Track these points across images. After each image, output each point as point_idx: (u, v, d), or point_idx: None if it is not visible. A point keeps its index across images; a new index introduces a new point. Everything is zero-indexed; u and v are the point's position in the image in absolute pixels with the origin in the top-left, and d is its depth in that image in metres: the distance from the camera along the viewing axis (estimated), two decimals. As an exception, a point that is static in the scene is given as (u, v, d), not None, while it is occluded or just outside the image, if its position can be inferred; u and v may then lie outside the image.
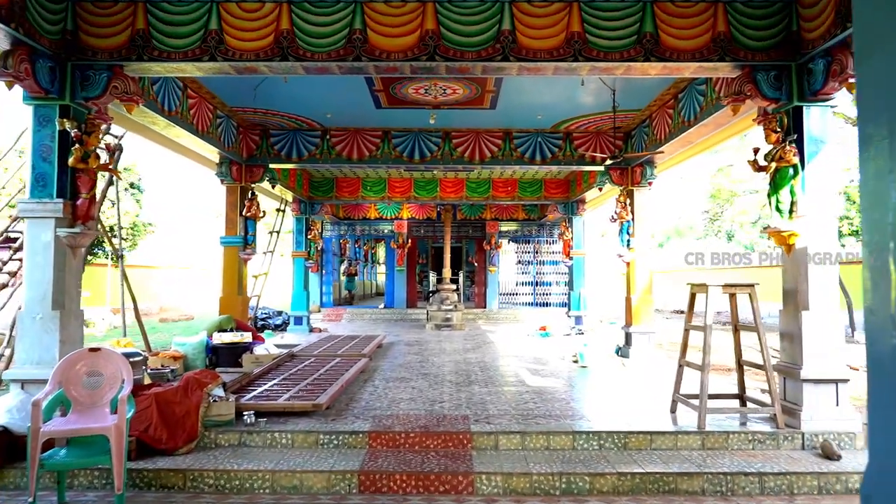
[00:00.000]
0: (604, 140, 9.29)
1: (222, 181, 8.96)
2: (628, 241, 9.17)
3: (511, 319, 16.81)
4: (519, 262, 18.13)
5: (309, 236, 13.48)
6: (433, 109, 7.99)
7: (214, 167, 8.96)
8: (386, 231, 18.16)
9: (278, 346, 10.34)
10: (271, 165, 9.35)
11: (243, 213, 9.14)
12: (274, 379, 6.36)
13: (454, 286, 14.38)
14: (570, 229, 13.51)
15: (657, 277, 25.34)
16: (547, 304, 17.82)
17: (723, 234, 44.04)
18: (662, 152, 7.35)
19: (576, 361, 8.38)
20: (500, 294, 17.81)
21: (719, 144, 7.97)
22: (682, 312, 22.37)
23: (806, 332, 4.76)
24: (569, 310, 13.68)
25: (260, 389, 5.70)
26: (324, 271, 17.83)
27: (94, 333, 14.60)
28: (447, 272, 14.43)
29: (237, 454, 4.43)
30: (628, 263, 9.26)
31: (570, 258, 13.54)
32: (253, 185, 9.37)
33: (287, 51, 4.91)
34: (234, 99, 7.90)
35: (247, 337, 7.84)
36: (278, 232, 13.62)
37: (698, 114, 6.74)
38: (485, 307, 17.70)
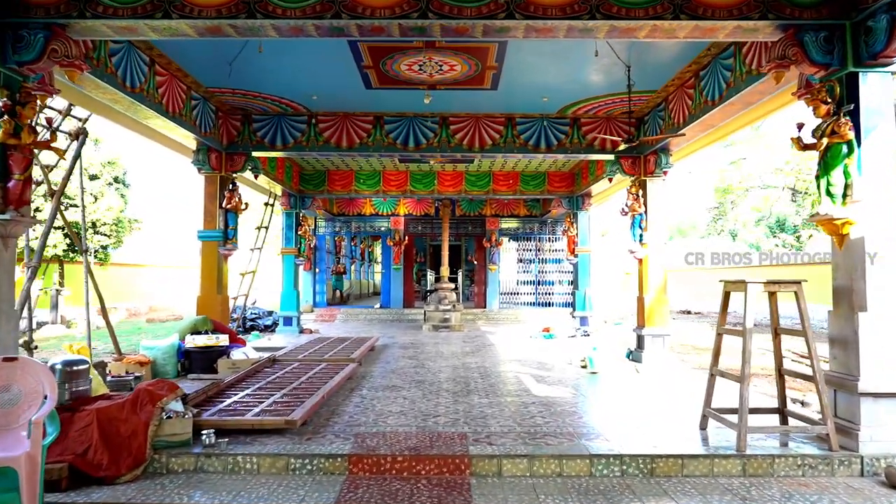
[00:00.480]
0: (614, 126, 8.58)
1: (199, 170, 8.24)
2: (640, 235, 8.46)
3: (512, 320, 16.09)
4: (520, 260, 17.42)
5: (299, 232, 12.76)
6: (429, 90, 7.27)
7: (191, 155, 8.24)
8: (382, 228, 17.45)
9: (263, 348, 9.64)
10: (254, 154, 8.63)
11: (223, 206, 8.42)
12: (248, 388, 5.64)
13: (453, 285, 13.67)
14: (574, 225, 12.80)
15: None
16: (549, 304, 17.12)
17: (726, 233, 43.43)
18: (684, 134, 6.63)
19: (584, 367, 7.67)
20: (501, 293, 17.12)
21: (746, 127, 7.24)
22: (687, 313, 21.66)
23: (863, 338, 4.05)
24: (573, 310, 12.97)
25: (229, 401, 4.98)
26: (317, 270, 17.13)
27: (75, 334, 13.88)
28: (445, 271, 13.72)
29: (191, 483, 3.71)
30: (640, 260, 8.54)
31: (575, 255, 12.83)
32: (234, 175, 8.65)
33: (254, 6, 4.19)
34: (209, 78, 7.18)
35: (223, 340, 7.12)
36: (266, 227, 12.90)
37: (723, 92, 6.02)
38: (485, 307, 16.99)
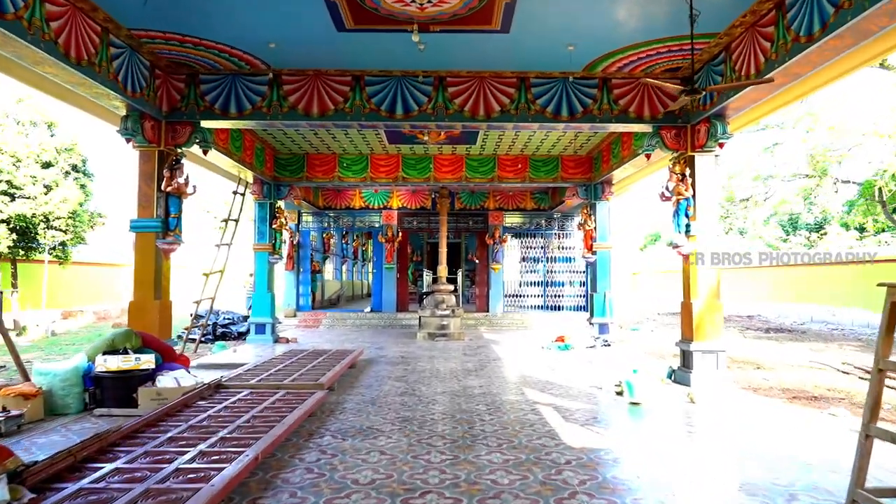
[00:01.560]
0: (652, 89, 6.85)
1: (129, 141, 6.49)
2: (687, 225, 6.74)
3: (518, 325, 14.37)
4: (524, 258, 15.71)
5: (274, 226, 11.03)
6: (419, 32, 5.53)
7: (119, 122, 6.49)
8: (374, 223, 15.71)
9: (218, 366, 7.91)
10: (203, 123, 6.90)
11: (163, 188, 6.69)
12: (156, 439, 3.89)
13: (452, 287, 11.95)
14: (592, 217, 11.08)
15: (664, 278, 22.59)
16: (559, 308, 15.39)
17: (735, 232, 41.73)
18: (772, 80, 4.87)
19: (620, 393, 5.94)
20: (506, 296, 15.40)
21: (838, 80, 5.51)
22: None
23: None
24: (591, 316, 11.25)
25: (98, 474, 3.21)
26: (300, 269, 15.40)
27: (22, 343, 12.12)
28: (443, 271, 12.00)
29: None
30: (686, 256, 6.82)
31: (593, 253, 11.10)
32: (180, 151, 6.92)
33: None
34: (131, 15, 5.44)
35: (145, 361, 5.37)
36: (237, 220, 11.15)
37: (828, 20, 4.31)
38: (487, 311, 15.26)
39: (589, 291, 15.02)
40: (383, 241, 15.10)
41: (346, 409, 5.32)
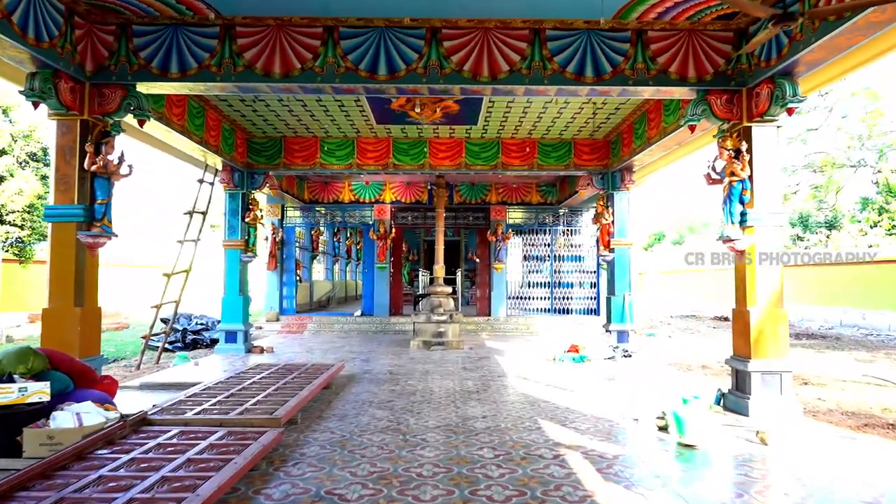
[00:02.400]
0: (699, 41, 5.49)
1: (36, 105, 5.11)
2: (742, 214, 5.38)
3: (523, 331, 13.01)
4: (527, 257, 14.34)
5: (247, 219, 9.66)
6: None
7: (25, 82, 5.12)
8: (368, 219, 14.35)
9: (171, 385, 6.56)
10: (139, 86, 5.54)
11: (86, 167, 5.33)
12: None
13: (450, 289, 10.59)
14: (609, 210, 9.71)
15: (669, 279, 20.91)
16: (567, 311, 14.03)
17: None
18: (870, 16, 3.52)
19: (664, 428, 4.59)
20: (509, 298, 14.04)
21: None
22: (724, 319, 18.58)
23: None
24: (608, 322, 9.88)
25: None
26: (284, 269, 14.03)
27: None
28: (440, 271, 10.64)
29: None
30: (741, 252, 5.46)
31: (611, 250, 9.73)
32: (110, 121, 5.56)
33: None
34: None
35: (37, 391, 4.00)
36: (204, 213, 9.79)
37: None
38: (489, 315, 13.90)
39: (602, 293, 13.73)
40: (375, 237, 13.75)
41: (305, 457, 3.96)
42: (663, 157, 8.73)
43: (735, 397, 5.42)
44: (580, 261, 14.36)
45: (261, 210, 9.91)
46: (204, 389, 5.54)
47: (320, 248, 17.97)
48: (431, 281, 11.02)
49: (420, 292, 13.00)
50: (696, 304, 23.29)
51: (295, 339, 11.84)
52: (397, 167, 9.74)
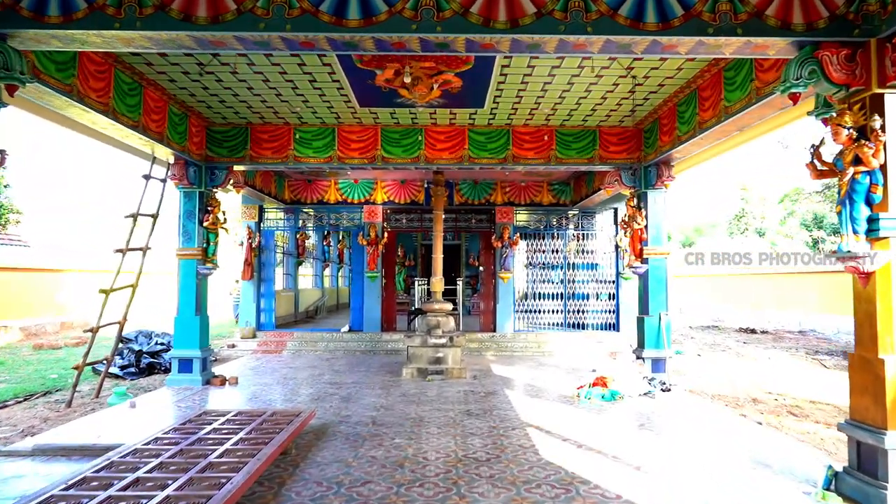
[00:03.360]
0: (805, -22, 3.85)
1: None
2: (871, 220, 3.75)
3: (534, 350, 11.37)
4: (532, 264, 12.68)
5: (206, 223, 8.01)
6: None
7: None
8: (356, 222, 12.70)
9: (69, 449, 4.91)
10: (10, 42, 3.89)
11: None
12: None
13: (450, 306, 8.94)
14: (643, 212, 8.06)
15: (680, 283, 19.32)
16: (582, 326, 12.38)
17: (751, 232, 38.81)
18: None
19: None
20: (517, 311, 12.38)
21: None
22: (750, 331, 16.91)
23: None
24: (640, 347, 8.23)
25: None
26: (262, 278, 12.38)
27: None
28: (438, 284, 9.00)
29: None
30: (867, 275, 3.81)
31: (643, 260, 8.08)
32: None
33: None
34: None
35: None
36: (154, 216, 8.14)
37: None
38: (494, 330, 12.25)
39: (622, 306, 12.10)
40: (364, 243, 12.10)
41: None
42: (713, 148, 7.09)
43: (858, 482, 3.77)
44: (594, 269, 12.72)
45: (223, 213, 8.26)
46: (116, 460, 3.88)
47: (307, 254, 16.31)
48: (429, 294, 9.37)
49: (415, 306, 11.36)
50: (715, 312, 21.63)
51: (270, 361, 10.18)
52: (387, 161, 8.09)
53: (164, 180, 8.09)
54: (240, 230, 12.49)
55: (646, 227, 8.01)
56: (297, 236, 15.56)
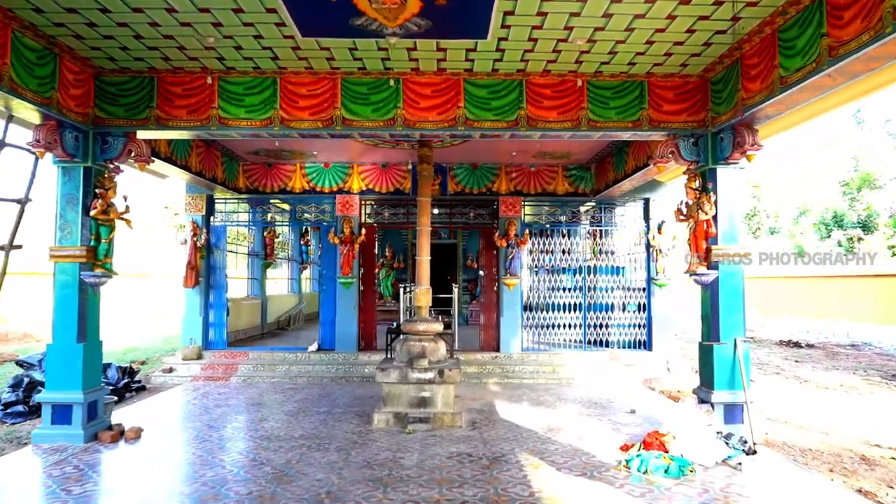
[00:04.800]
0: None
1: None
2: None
3: (548, 376, 9.02)
4: (539, 267, 10.34)
5: (94, 212, 5.66)
6: None
7: None
8: (327, 215, 10.33)
9: None
10: None
11: None
12: None
13: (440, 326, 6.57)
14: (711, 197, 5.69)
15: (694, 288, 15.97)
16: (605, 344, 10.05)
17: (763, 232, 36.53)
18: None
19: None
20: (525, 326, 10.04)
21: None
22: (794, 345, 14.55)
23: None
24: (707, 387, 5.87)
25: None
26: (211, 284, 10.02)
27: None
28: (424, 296, 6.67)
29: None
30: None
31: (710, 265, 5.73)
32: None
33: None
34: None
35: None
36: (20, 201, 5.78)
37: None
38: (497, 349, 9.90)
39: (654, 318, 9.77)
40: (337, 241, 9.76)
41: None
42: (825, 99, 4.73)
43: None
44: (616, 274, 10.40)
45: (125, 197, 5.91)
46: None
47: (276, 254, 13.94)
48: (411, 314, 7.03)
49: (392, 325, 8.96)
50: (747, 321, 19.27)
51: (210, 394, 7.84)
52: (350, 124, 5.74)
53: (34, 153, 5.73)
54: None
55: (714, 217, 5.66)
56: (265, 234, 13.21)
